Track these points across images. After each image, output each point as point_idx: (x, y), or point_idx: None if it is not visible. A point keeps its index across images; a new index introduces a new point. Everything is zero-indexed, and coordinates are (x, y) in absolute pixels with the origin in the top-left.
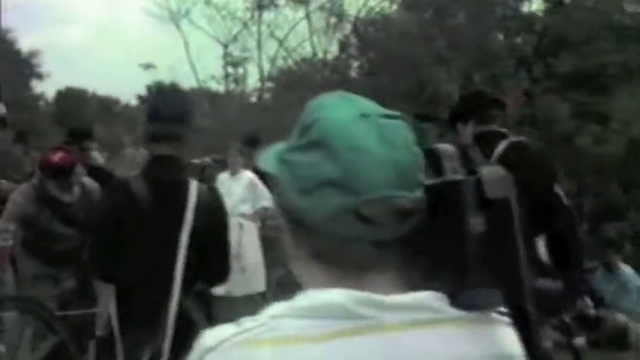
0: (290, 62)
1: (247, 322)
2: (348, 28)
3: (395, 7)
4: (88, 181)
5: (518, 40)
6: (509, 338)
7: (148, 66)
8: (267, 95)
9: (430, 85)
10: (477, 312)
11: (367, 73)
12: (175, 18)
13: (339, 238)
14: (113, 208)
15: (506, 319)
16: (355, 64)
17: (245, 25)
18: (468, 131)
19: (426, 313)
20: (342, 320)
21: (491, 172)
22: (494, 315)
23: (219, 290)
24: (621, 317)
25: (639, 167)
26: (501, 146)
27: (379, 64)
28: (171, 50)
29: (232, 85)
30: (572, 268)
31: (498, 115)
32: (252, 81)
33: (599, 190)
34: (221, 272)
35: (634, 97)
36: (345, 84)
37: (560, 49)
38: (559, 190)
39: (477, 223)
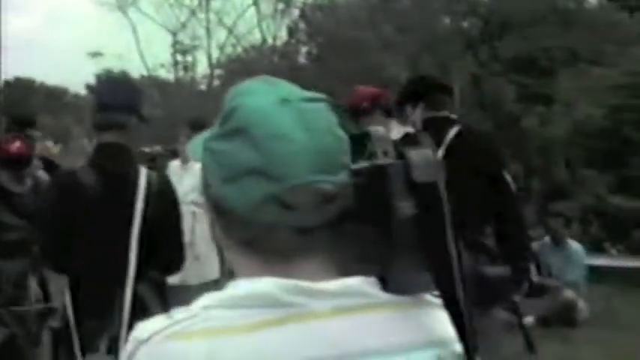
0: (239, 49)
1: (179, 313)
2: (296, 13)
3: None
4: (41, 173)
5: (465, 23)
6: (441, 321)
7: (95, 54)
8: (216, 82)
9: (377, 69)
10: (409, 295)
11: (316, 58)
12: (123, 6)
13: (265, 226)
14: (61, 199)
15: (438, 301)
16: (304, 49)
17: (193, 12)
18: (416, 116)
19: (356, 298)
20: (272, 309)
21: (419, 155)
22: (427, 298)
23: (173, 279)
24: (569, 293)
25: (584, 148)
26: (452, 132)
27: (327, 49)
28: (119, 38)
29: (181, 73)
30: (519, 253)
31: (447, 101)
32: (202, 69)
33: (546, 171)
34: (176, 261)
35: (577, 79)
36: (293, 70)
37: (505, 33)
38: (507, 176)
39: (405, 206)
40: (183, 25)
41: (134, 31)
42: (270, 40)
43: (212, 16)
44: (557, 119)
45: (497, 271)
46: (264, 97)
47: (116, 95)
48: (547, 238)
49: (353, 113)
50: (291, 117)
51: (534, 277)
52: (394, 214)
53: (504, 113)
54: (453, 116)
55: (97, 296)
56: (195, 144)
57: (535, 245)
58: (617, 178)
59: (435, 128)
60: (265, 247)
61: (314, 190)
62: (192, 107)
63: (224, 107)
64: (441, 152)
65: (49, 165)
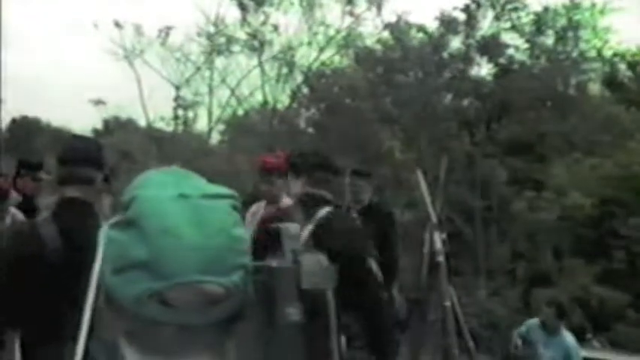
0: (240, 109)
1: None
2: (299, 78)
3: (347, 61)
4: (15, 212)
5: (465, 102)
6: None
7: (98, 102)
8: (215, 139)
9: (374, 140)
10: None
11: (316, 124)
12: (130, 56)
13: (148, 321)
14: (18, 252)
15: None
16: (305, 114)
17: (198, 69)
18: (297, 187)
19: None
20: None
21: (311, 261)
22: None
23: None
24: None
25: (571, 236)
26: (323, 212)
27: (328, 116)
28: (123, 88)
29: (181, 127)
30: (383, 344)
31: (330, 179)
32: (201, 125)
33: (532, 257)
34: None
35: (570, 167)
36: (293, 134)
37: (503, 115)
38: (372, 264)
39: (292, 312)
40: (187, 81)
41: (138, 82)
42: (271, 103)
43: (216, 74)
44: (546, 205)
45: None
46: (162, 190)
47: (81, 150)
48: (535, 320)
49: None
50: (185, 213)
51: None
52: (281, 318)
53: (495, 195)
54: (329, 196)
55: (47, 353)
56: (104, 228)
57: (522, 327)
58: (602, 269)
59: (308, 205)
60: (147, 341)
61: (199, 290)
62: (189, 162)
63: (125, 195)
64: (308, 230)
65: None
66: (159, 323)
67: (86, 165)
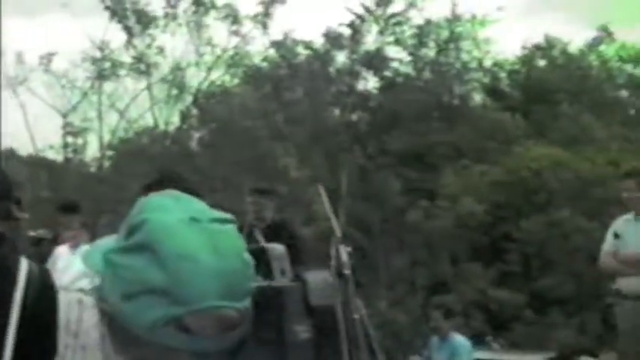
0: (131, 133)
1: None
2: (189, 99)
3: (236, 80)
4: None
5: (354, 116)
6: None
7: None
8: (106, 165)
9: (268, 158)
10: None
11: (207, 145)
12: (12, 84)
13: (161, 347)
14: None
15: None
16: (196, 135)
17: (85, 94)
18: None
19: None
20: None
21: (316, 278)
22: None
23: None
24: None
25: (467, 243)
26: None
27: (219, 136)
28: (7, 118)
29: (71, 155)
30: None
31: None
32: (92, 151)
33: (430, 265)
34: (50, 354)
35: (460, 174)
36: (185, 156)
37: (393, 127)
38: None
39: (300, 330)
40: (75, 107)
41: (23, 110)
42: (162, 125)
43: (104, 98)
44: (441, 214)
45: None
46: (173, 214)
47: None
48: (435, 338)
49: None
50: (200, 238)
51: None
52: (289, 337)
53: (390, 206)
54: None
55: None
56: (94, 253)
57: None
58: (498, 272)
59: None
60: None
61: (217, 316)
62: (81, 190)
63: (129, 219)
64: None
65: None
66: (173, 350)
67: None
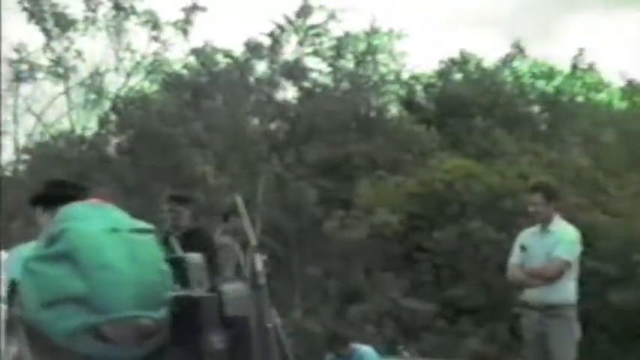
0: (47, 137)
1: None
2: (107, 105)
3: (155, 86)
4: None
5: (273, 125)
6: None
7: None
8: (22, 169)
9: (186, 165)
10: None
11: (126, 151)
12: None
13: (79, 355)
14: None
15: None
16: (114, 141)
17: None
18: (44, 218)
19: None
20: None
21: (232, 290)
22: None
23: None
24: None
25: (380, 253)
26: None
27: (137, 142)
28: None
29: None
30: None
31: None
32: (7, 154)
33: (345, 274)
34: None
35: (375, 185)
36: (102, 162)
37: (311, 137)
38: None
39: (216, 340)
40: None
41: None
42: (79, 130)
43: (20, 101)
44: (356, 224)
45: None
46: (93, 223)
47: None
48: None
49: None
50: (119, 248)
51: None
52: (205, 348)
53: (306, 215)
54: None
55: None
56: (15, 261)
57: None
58: (410, 282)
59: None
60: None
61: (134, 325)
62: None
63: (49, 228)
64: None
65: None
66: (90, 358)
67: None
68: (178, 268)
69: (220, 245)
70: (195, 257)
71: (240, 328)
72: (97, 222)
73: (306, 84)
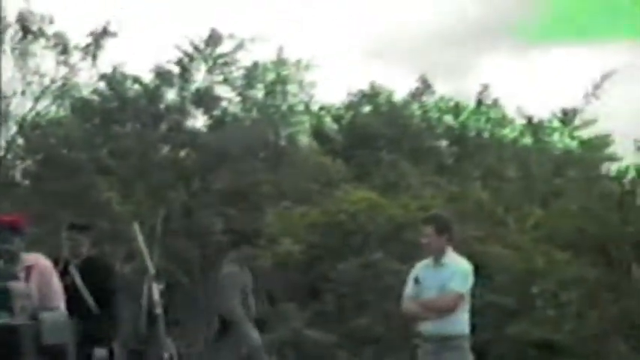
0: None
1: None
2: (14, 129)
3: (63, 111)
4: None
5: (182, 153)
6: None
7: None
8: None
9: (91, 191)
10: None
11: (32, 176)
12: None
13: None
14: None
15: None
16: (21, 165)
17: None
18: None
19: None
20: None
21: (50, 317)
22: None
23: None
24: None
25: (284, 282)
26: None
27: (44, 167)
28: None
29: None
30: None
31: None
32: None
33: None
34: None
35: (281, 215)
36: (8, 186)
37: (219, 165)
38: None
39: None
40: None
41: None
42: None
43: None
44: (260, 253)
45: None
46: None
47: None
48: None
49: None
50: None
51: None
52: None
53: (212, 244)
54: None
55: None
56: None
57: None
58: (313, 312)
59: None
60: None
61: None
62: None
63: None
64: None
65: None
66: None
67: None
68: (3, 296)
69: (226, 273)
70: (19, 286)
71: (58, 355)
72: None
73: (217, 112)
